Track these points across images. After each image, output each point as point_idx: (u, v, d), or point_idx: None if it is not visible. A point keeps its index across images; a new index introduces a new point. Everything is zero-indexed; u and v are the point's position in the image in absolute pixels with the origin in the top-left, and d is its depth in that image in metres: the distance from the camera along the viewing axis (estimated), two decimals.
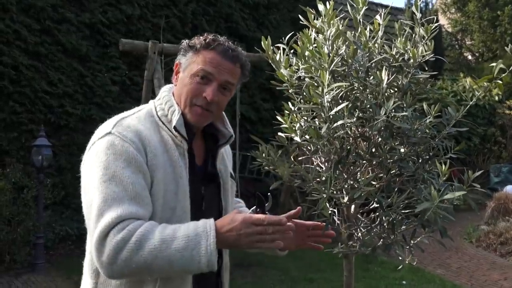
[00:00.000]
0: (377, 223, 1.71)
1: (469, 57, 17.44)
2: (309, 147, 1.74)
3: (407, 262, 1.74)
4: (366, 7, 1.78)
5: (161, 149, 1.39)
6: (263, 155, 1.74)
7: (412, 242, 1.63)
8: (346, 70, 1.68)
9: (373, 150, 1.64)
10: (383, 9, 1.83)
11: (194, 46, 1.44)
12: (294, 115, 1.71)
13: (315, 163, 1.67)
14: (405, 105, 1.66)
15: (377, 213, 1.70)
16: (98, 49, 7.34)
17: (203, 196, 1.48)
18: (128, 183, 1.30)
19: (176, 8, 7.98)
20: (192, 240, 1.26)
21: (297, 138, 1.72)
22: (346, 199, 1.69)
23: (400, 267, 5.29)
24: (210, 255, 1.26)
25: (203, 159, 1.53)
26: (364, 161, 1.66)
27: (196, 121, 1.44)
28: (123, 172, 1.30)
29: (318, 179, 1.57)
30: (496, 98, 11.25)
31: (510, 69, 1.60)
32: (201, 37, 1.46)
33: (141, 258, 1.24)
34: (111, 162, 1.31)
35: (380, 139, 1.65)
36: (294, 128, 1.73)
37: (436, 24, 1.76)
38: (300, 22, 1.86)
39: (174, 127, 1.40)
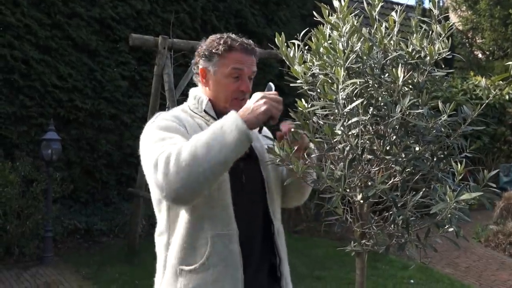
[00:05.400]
0: (390, 221, 1.69)
1: (480, 55, 17.28)
2: (322, 145, 1.72)
3: (420, 261, 1.72)
4: (382, 3, 1.76)
5: (197, 130, 1.64)
6: (276, 151, 1.72)
7: (426, 241, 1.61)
8: (361, 67, 1.66)
9: (388, 148, 1.62)
10: (399, 6, 1.80)
11: (218, 51, 1.68)
12: (308, 112, 1.70)
13: (328, 161, 1.65)
14: (420, 102, 1.64)
15: (390, 212, 1.68)
16: (108, 44, 7.36)
17: (242, 170, 1.67)
18: (177, 130, 1.60)
19: (185, 4, 7.98)
20: (221, 124, 1.50)
21: (310, 135, 1.71)
22: (359, 197, 1.67)
23: (412, 266, 5.29)
24: (240, 126, 1.48)
25: None
26: (379, 159, 1.64)
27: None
28: (170, 134, 1.58)
29: (332, 177, 1.55)
30: (507, 97, 11.15)
31: None
32: (220, 41, 1.69)
33: (186, 156, 1.44)
34: (155, 129, 1.60)
35: (395, 137, 1.63)
36: (307, 125, 1.71)
37: (452, 23, 1.74)
38: (314, 18, 1.84)
39: (204, 110, 1.71)
